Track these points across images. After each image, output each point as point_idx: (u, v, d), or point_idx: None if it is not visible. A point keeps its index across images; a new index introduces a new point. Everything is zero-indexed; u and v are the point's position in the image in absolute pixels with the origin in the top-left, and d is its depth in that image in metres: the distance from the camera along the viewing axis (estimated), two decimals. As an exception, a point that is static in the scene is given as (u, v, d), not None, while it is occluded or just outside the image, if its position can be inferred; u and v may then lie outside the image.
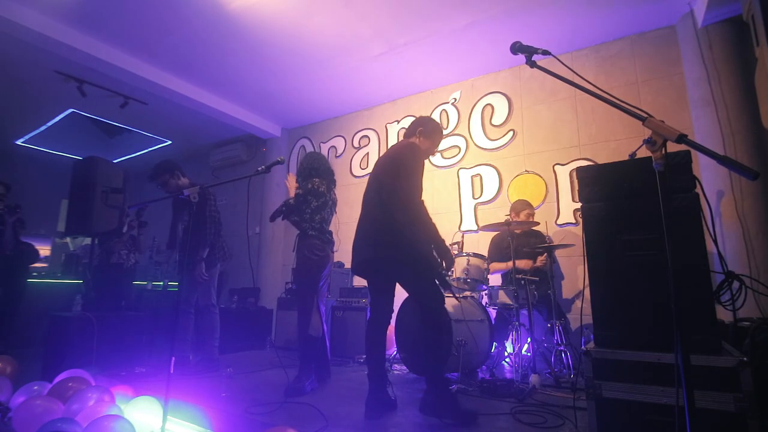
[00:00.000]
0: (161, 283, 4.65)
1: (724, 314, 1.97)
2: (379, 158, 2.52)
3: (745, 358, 1.39)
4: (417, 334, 3.24)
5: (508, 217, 3.48)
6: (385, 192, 2.23)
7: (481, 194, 4.47)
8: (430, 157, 4.84)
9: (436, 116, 4.99)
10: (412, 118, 5.13)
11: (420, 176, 2.24)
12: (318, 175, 2.96)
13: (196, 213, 3.18)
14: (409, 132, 2.51)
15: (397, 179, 2.19)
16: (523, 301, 3.14)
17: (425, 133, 2.47)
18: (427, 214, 2.26)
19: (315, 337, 2.79)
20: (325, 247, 2.87)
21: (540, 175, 4.17)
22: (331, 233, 2.98)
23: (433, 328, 2.19)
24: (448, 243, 2.37)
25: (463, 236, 3.86)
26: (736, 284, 1.86)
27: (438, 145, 2.58)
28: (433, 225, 2.26)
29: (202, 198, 3.28)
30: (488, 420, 2.11)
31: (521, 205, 3.70)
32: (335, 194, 3.09)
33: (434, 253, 2.22)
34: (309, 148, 6.10)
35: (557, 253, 3.88)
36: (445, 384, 2.20)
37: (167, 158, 3.58)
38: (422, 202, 2.26)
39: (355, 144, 5.61)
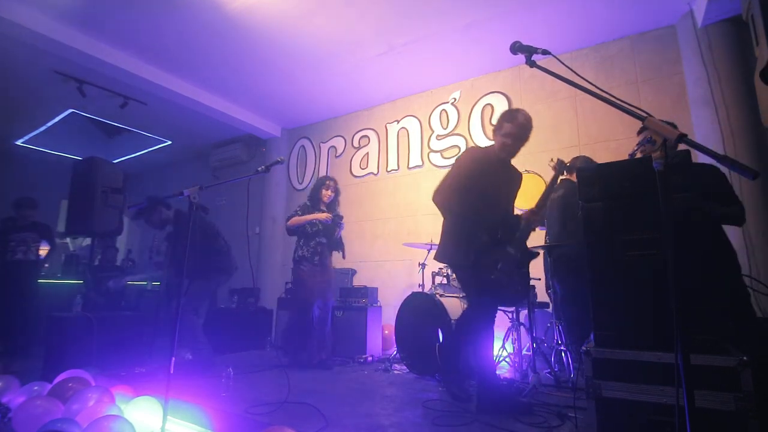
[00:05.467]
0: (161, 283, 4.63)
1: (724, 314, 1.97)
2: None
3: (745, 358, 1.38)
4: (416, 333, 3.25)
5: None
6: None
7: (481, 194, 4.47)
8: (431, 156, 4.92)
9: (435, 116, 4.99)
10: (412, 118, 5.16)
11: (462, 179, 2.47)
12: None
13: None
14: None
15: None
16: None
17: (496, 129, 2.44)
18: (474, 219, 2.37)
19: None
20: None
21: (540, 175, 4.16)
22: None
23: (458, 328, 2.29)
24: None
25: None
26: (736, 284, 1.86)
27: (513, 133, 2.35)
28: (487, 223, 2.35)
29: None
30: (488, 419, 2.11)
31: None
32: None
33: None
34: (309, 148, 6.10)
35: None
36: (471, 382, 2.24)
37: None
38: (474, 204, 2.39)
39: (355, 144, 5.61)
